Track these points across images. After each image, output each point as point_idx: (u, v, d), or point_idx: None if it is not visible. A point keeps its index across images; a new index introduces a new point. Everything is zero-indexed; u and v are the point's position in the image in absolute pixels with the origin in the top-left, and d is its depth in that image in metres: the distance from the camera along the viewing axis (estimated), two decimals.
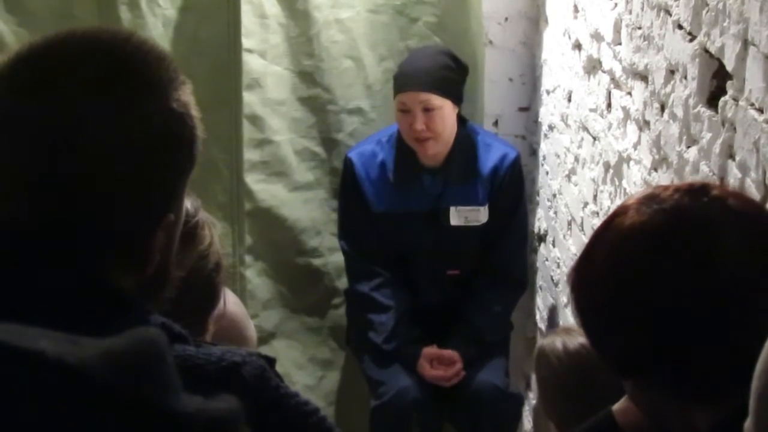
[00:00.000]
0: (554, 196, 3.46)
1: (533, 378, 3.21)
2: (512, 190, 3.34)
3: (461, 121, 3.31)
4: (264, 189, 3.48)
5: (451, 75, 3.20)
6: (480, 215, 3.31)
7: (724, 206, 1.25)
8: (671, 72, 2.16)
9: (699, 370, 1.23)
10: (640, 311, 1.25)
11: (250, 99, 3.39)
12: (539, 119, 3.68)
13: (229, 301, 1.82)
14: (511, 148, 3.41)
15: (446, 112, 3.19)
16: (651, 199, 1.27)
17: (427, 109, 3.16)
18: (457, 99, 3.23)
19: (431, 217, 3.30)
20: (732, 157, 1.83)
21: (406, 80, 3.19)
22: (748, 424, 0.91)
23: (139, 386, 0.73)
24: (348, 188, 3.36)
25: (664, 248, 1.24)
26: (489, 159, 3.31)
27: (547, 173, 3.58)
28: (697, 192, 1.26)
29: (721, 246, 1.22)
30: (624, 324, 1.27)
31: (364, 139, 3.44)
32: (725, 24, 1.82)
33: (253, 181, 3.45)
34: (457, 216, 3.30)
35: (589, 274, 1.31)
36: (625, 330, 1.27)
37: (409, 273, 3.38)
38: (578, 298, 1.33)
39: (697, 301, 1.21)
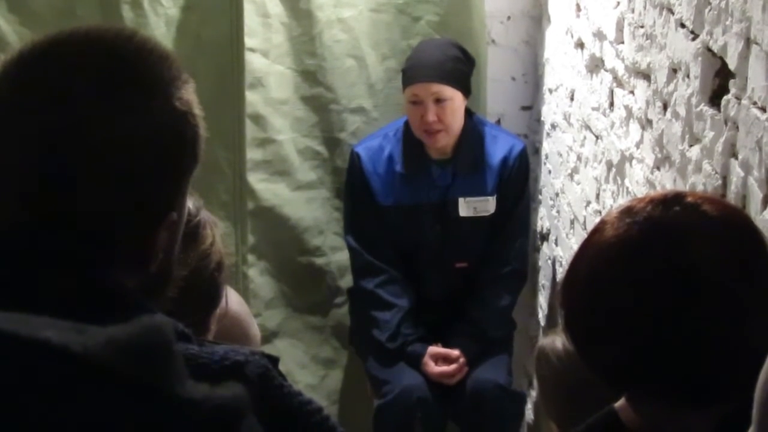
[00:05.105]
0: (557, 195, 3.46)
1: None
2: (519, 180, 3.36)
3: (468, 113, 3.32)
4: (266, 188, 3.48)
5: (461, 67, 3.22)
6: (488, 205, 3.32)
7: (698, 213, 1.26)
8: (674, 71, 2.16)
9: (688, 376, 1.24)
10: (623, 325, 1.26)
11: (252, 98, 3.39)
12: (542, 118, 3.68)
13: (232, 300, 1.82)
14: (518, 139, 3.43)
15: (457, 103, 3.20)
16: (626, 212, 1.29)
17: (439, 101, 3.17)
18: (466, 91, 3.24)
19: (440, 208, 3.31)
20: (735, 155, 1.83)
21: (417, 72, 3.19)
22: None
23: (145, 373, 0.73)
24: (355, 182, 3.36)
25: (639, 261, 1.25)
26: (497, 150, 3.32)
27: (550, 172, 3.58)
28: (669, 202, 1.27)
29: (695, 252, 1.23)
30: (609, 339, 1.28)
31: (370, 134, 3.43)
32: (728, 22, 1.82)
33: (255, 180, 3.45)
34: (465, 207, 3.31)
35: (573, 292, 1.32)
36: (611, 344, 1.28)
37: (415, 267, 3.38)
38: (565, 315, 1.34)
39: (677, 309, 1.22)
